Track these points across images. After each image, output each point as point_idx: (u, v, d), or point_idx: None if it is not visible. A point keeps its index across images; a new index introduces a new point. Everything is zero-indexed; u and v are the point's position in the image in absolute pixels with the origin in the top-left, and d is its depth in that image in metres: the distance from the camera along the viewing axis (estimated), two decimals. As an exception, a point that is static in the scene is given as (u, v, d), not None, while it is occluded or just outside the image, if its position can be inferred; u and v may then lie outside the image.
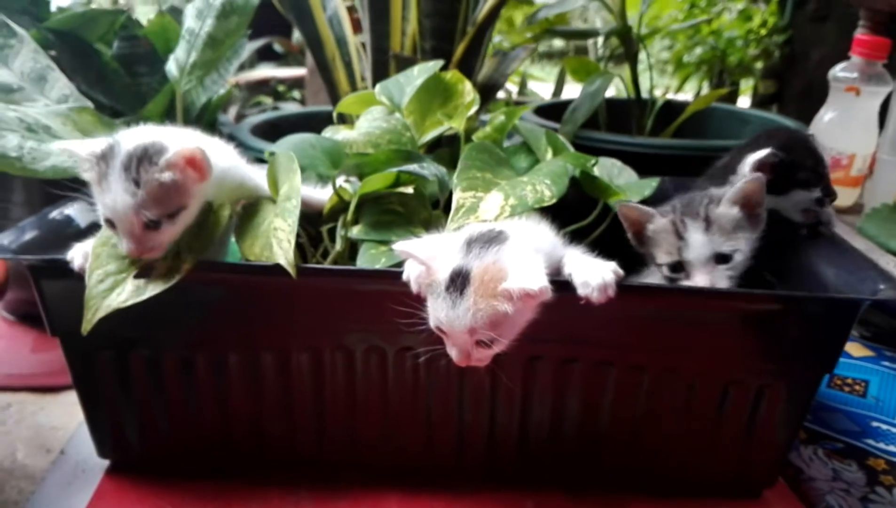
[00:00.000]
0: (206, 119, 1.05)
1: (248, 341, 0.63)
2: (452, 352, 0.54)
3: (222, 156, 0.63)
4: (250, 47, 2.08)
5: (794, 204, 0.74)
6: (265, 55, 2.67)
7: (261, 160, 0.97)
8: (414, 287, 0.56)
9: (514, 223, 0.58)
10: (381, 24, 0.98)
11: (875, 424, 0.84)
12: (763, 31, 2.23)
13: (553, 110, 1.20)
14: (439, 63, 0.75)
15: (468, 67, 1.03)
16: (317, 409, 0.67)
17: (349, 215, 0.67)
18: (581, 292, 0.55)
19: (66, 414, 0.81)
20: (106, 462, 0.71)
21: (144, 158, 0.55)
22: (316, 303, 0.61)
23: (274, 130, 1.13)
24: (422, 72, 0.75)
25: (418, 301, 0.56)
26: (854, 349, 0.99)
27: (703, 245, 0.66)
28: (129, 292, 0.54)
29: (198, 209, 0.59)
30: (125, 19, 0.91)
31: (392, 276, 0.57)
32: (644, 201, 0.73)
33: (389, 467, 0.70)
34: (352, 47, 1.08)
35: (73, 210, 0.72)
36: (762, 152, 0.71)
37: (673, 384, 0.64)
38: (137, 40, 0.95)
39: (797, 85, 2.46)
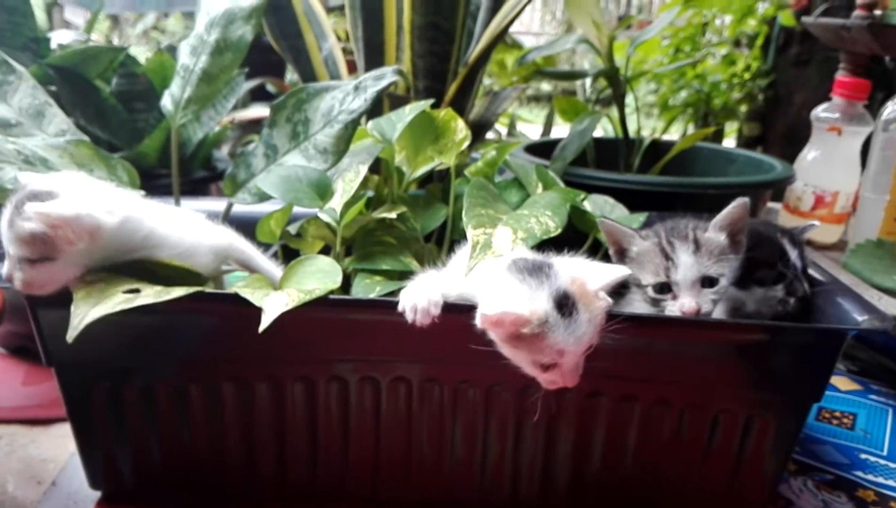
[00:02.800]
0: (202, 155, 1.06)
1: (241, 370, 0.64)
2: (560, 377, 0.55)
3: (164, 220, 0.63)
4: (244, 87, 2.11)
5: (755, 300, 0.73)
6: (258, 95, 2.71)
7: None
8: (422, 317, 0.56)
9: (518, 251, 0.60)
10: (375, 65, 1.01)
11: (864, 456, 0.85)
12: (747, 75, 2.28)
13: (542, 148, 1.22)
14: (430, 101, 0.77)
15: (460, 107, 1.06)
16: (310, 440, 0.67)
17: (337, 247, 0.68)
18: None
19: (57, 446, 0.80)
20: (97, 494, 0.71)
21: (19, 204, 0.56)
22: (309, 333, 0.62)
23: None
24: (413, 110, 0.77)
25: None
26: (841, 382, 1.00)
27: (691, 267, 0.66)
28: (117, 302, 0.54)
29: (83, 261, 0.59)
30: (124, 57, 0.93)
31: (385, 306, 0.58)
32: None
33: (383, 500, 0.70)
34: (343, 72, 1.10)
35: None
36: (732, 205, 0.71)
37: (662, 415, 0.65)
38: (136, 77, 0.98)
39: (780, 127, 2.51)
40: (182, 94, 0.73)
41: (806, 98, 2.44)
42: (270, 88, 2.73)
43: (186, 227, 0.65)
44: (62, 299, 0.61)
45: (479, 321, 0.53)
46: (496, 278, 0.55)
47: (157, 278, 0.60)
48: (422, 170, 0.81)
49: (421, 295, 0.57)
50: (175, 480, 0.69)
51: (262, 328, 0.54)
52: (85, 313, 0.53)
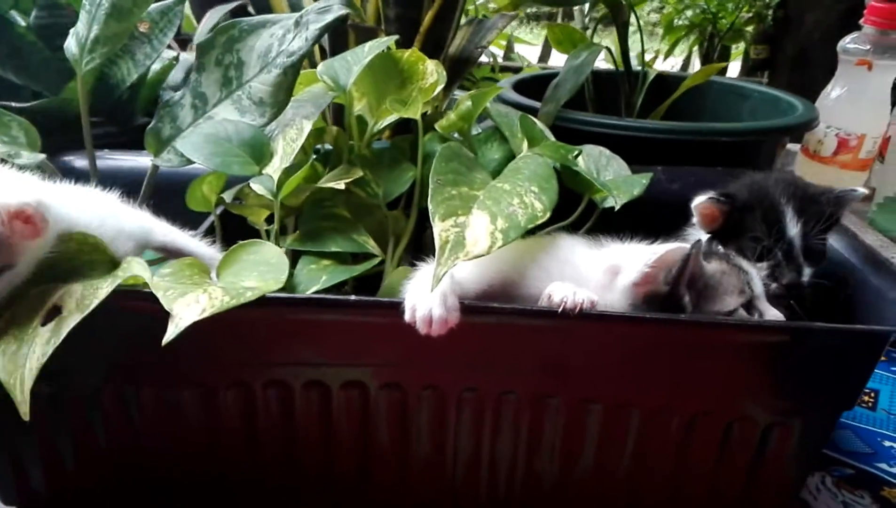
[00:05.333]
0: (144, 97, 0.93)
1: (165, 374, 0.53)
2: None
3: (80, 207, 0.52)
4: (223, 10, 1.95)
5: None
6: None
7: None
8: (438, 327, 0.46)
9: None
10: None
11: (888, 444, 0.76)
12: (756, -7, 2.14)
13: (534, 85, 1.08)
14: (391, 38, 0.64)
15: (438, 38, 0.92)
16: (249, 447, 0.57)
17: (276, 225, 0.57)
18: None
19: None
20: (11, 509, 0.62)
21: None
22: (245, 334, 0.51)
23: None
24: (372, 49, 0.64)
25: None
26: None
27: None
28: (42, 343, 0.43)
29: (31, 267, 0.47)
30: (45, -16, 0.79)
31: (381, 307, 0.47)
32: (638, 199, 0.63)
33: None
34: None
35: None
36: (702, 197, 0.62)
37: (672, 421, 0.55)
38: (60, 9, 0.84)
39: (790, 50, 2.38)
40: (88, 33, 0.59)
41: (818, 19, 2.29)
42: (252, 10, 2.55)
43: (104, 213, 0.54)
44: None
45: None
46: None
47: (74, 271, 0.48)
48: (387, 120, 0.68)
49: (436, 299, 0.46)
50: (92, 488, 0.59)
51: (166, 338, 0.42)
52: (19, 375, 0.43)
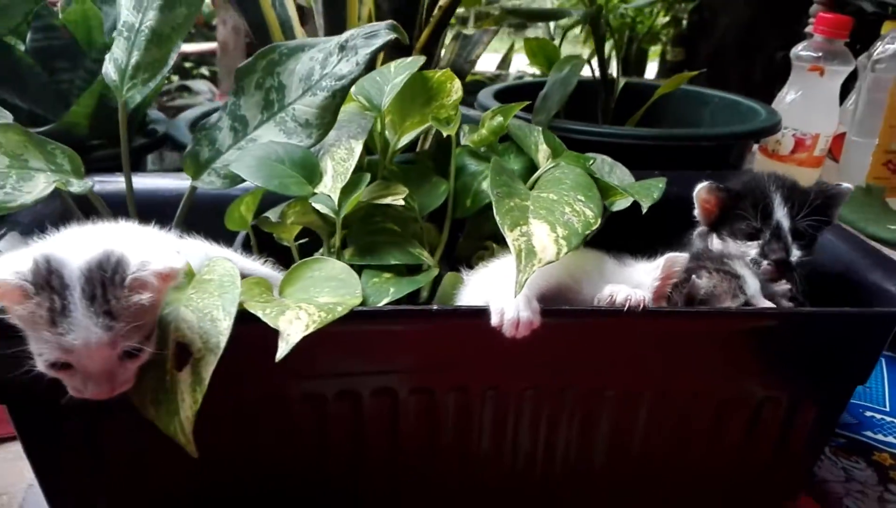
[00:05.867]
0: (137, 120, 0.93)
1: (240, 387, 0.54)
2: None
3: (195, 256, 0.53)
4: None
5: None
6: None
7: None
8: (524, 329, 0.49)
9: None
10: (334, 8, 0.88)
11: (869, 414, 0.83)
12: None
13: (512, 94, 1.13)
14: (421, 59, 0.67)
15: (430, 53, 0.95)
16: (320, 459, 0.59)
17: (337, 238, 0.59)
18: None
19: (5, 473, 0.69)
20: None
21: (106, 277, 0.42)
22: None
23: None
24: (401, 69, 0.67)
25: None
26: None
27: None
28: (189, 391, 0.45)
29: None
30: (41, 7, 0.78)
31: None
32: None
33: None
34: (297, 32, 0.97)
35: (5, 243, 0.60)
36: (702, 184, 0.68)
37: (699, 404, 0.60)
38: (55, 31, 0.82)
39: (704, 51, 2.51)
40: (128, 59, 0.60)
41: (730, 22, 2.43)
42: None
43: (200, 252, 0.55)
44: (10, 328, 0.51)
45: None
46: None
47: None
48: (408, 137, 0.71)
49: (521, 303, 0.49)
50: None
51: (280, 355, 0.44)
52: (178, 424, 0.45)
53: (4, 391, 0.53)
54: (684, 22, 2.60)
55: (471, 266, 0.66)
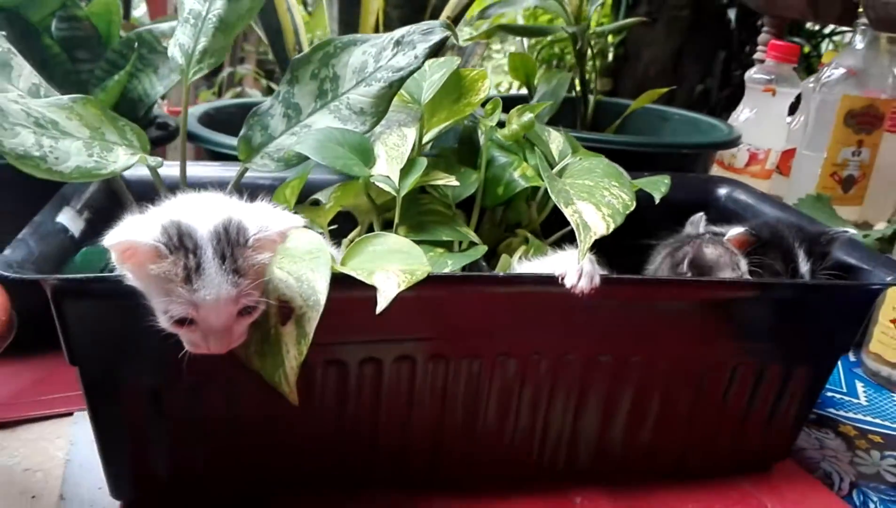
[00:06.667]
0: (148, 114, 0.94)
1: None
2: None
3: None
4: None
5: None
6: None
7: (216, 154, 0.90)
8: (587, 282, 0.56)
9: None
10: (349, 14, 0.93)
11: (829, 394, 0.93)
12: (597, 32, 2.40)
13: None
14: (457, 60, 0.73)
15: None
16: (371, 424, 0.63)
17: (397, 214, 0.64)
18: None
19: (34, 453, 0.70)
20: (115, 504, 0.63)
21: (232, 239, 0.46)
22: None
23: (223, 119, 1.04)
24: (436, 67, 0.73)
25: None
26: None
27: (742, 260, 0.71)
28: (294, 343, 0.49)
29: None
30: (68, -2, 0.80)
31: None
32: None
33: (440, 479, 0.67)
34: (303, 37, 1.02)
35: (65, 218, 0.62)
36: (738, 230, 0.74)
37: (692, 372, 0.67)
38: (79, 22, 0.84)
39: (629, 83, 2.66)
40: (195, 44, 0.63)
41: (653, 55, 2.60)
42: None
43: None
44: (91, 289, 0.53)
45: None
46: None
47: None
48: (434, 131, 0.76)
49: (588, 264, 0.55)
50: (216, 477, 0.62)
51: (379, 309, 0.49)
52: (282, 374, 0.49)
53: (76, 353, 0.55)
54: (610, 55, 2.73)
55: (494, 252, 0.72)
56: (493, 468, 0.68)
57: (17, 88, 0.62)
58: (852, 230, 0.76)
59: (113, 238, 0.44)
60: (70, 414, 0.75)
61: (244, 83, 2.56)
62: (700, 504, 0.70)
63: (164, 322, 0.47)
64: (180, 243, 0.45)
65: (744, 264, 0.70)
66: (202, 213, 0.47)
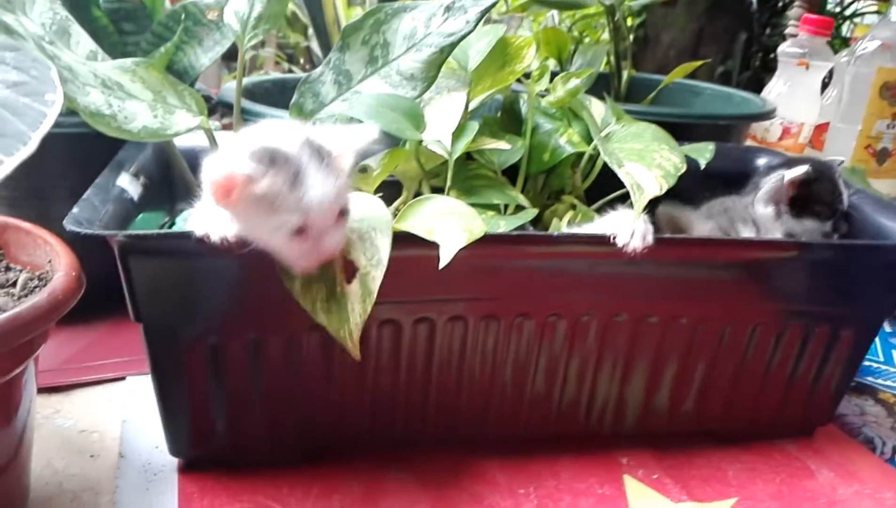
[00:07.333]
0: (191, 87, 0.95)
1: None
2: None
3: None
4: None
5: (804, 230, 0.77)
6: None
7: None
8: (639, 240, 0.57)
9: None
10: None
11: (867, 363, 0.94)
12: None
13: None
14: (503, 27, 0.73)
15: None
16: (423, 383, 0.64)
17: (449, 178, 0.65)
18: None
19: (90, 415, 0.72)
20: (174, 462, 0.64)
21: (318, 147, 0.49)
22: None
23: (261, 93, 1.05)
24: (482, 34, 0.73)
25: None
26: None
27: None
28: (359, 301, 0.50)
29: None
30: (118, -31, 0.81)
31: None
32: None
33: (488, 439, 0.68)
34: (341, 13, 1.02)
35: (123, 181, 0.63)
36: (799, 170, 0.76)
37: (739, 335, 0.68)
38: (126, -5, 0.85)
39: (649, 66, 2.64)
40: (250, 11, 0.64)
41: (673, 38, 2.58)
42: None
43: None
44: (156, 246, 0.54)
45: None
46: None
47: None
48: (477, 100, 0.77)
49: (643, 224, 0.56)
50: (275, 437, 0.63)
51: (443, 263, 0.50)
52: (346, 328, 0.50)
53: (141, 310, 0.56)
54: (630, 37, 2.71)
55: (539, 219, 0.73)
56: (540, 428, 0.69)
57: (76, 54, 0.63)
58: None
59: (211, 176, 0.46)
60: (123, 379, 0.77)
61: (266, 66, 2.58)
62: (744, 465, 0.70)
63: (280, 239, 0.49)
64: (274, 160, 0.47)
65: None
66: (280, 135, 0.50)
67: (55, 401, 0.74)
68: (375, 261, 0.51)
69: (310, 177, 0.47)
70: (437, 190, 0.69)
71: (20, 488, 0.57)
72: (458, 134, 0.64)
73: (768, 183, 0.76)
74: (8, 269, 0.58)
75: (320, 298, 0.51)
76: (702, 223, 0.77)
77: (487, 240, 0.55)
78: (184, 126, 0.58)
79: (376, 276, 0.50)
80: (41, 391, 0.74)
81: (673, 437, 0.72)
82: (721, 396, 0.70)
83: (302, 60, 2.78)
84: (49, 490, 0.61)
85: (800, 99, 1.23)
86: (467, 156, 0.71)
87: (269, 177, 0.46)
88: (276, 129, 0.51)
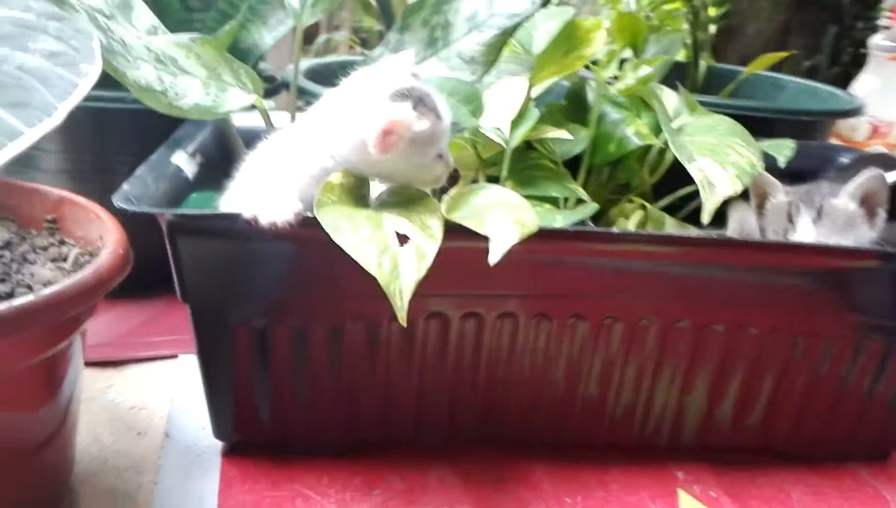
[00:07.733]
0: (255, 66, 0.95)
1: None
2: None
3: None
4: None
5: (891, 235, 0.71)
6: None
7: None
8: None
9: None
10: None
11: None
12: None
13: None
14: (571, 10, 0.70)
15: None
16: (470, 380, 0.61)
17: (505, 167, 0.62)
18: None
19: (141, 392, 0.72)
20: (218, 445, 0.64)
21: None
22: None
23: (328, 75, 1.04)
24: (548, 16, 0.70)
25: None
26: None
27: (808, 235, 0.65)
28: (413, 262, 0.48)
29: None
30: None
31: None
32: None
33: (535, 442, 0.66)
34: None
35: (179, 159, 0.63)
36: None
37: (812, 347, 0.62)
38: (191, -29, 0.85)
39: (732, 58, 2.53)
40: (308, -11, 0.63)
41: (759, 29, 2.46)
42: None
43: None
44: (205, 226, 0.53)
45: None
46: None
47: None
48: (541, 87, 0.74)
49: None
50: (318, 425, 0.62)
51: (493, 259, 0.47)
52: (397, 287, 0.47)
53: (189, 291, 0.55)
54: (712, 28, 2.62)
55: (601, 214, 0.69)
56: (591, 435, 0.66)
57: (136, 29, 0.63)
58: None
59: (373, 126, 0.48)
60: (174, 357, 0.77)
61: (339, 50, 2.59)
62: (809, 488, 0.66)
63: (423, 170, 0.54)
64: (420, 98, 0.51)
65: None
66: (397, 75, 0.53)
67: (108, 376, 0.74)
68: (428, 235, 0.49)
69: (439, 104, 0.52)
70: (494, 180, 0.66)
71: (65, 461, 0.57)
72: (517, 122, 0.61)
73: (860, 177, 0.69)
74: (62, 243, 0.59)
75: (376, 252, 0.48)
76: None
77: (542, 235, 0.52)
78: (237, 104, 0.57)
79: (432, 251, 0.48)
80: (95, 365, 0.75)
81: (734, 453, 0.67)
82: (789, 411, 0.66)
83: (375, 45, 2.78)
84: (94, 466, 0.61)
85: (892, 96, 1.14)
86: (528, 145, 0.68)
87: (424, 115, 0.50)
88: (384, 72, 0.53)
